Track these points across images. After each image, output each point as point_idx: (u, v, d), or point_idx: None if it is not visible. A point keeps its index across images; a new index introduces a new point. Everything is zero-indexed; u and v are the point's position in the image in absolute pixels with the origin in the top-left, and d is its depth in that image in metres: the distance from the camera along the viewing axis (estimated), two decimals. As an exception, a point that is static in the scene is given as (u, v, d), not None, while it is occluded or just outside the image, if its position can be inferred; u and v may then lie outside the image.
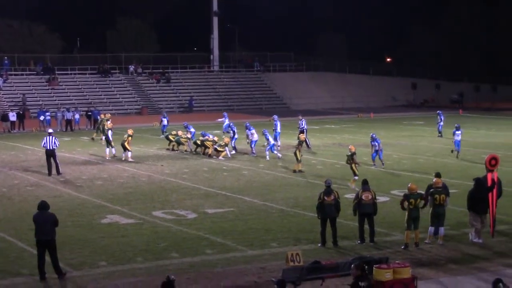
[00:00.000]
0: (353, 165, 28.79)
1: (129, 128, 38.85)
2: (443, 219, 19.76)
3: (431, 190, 19.94)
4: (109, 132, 38.05)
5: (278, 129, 41.46)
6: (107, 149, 37.75)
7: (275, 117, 43.12)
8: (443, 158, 36.63)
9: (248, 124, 39.52)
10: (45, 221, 17.25)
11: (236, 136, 39.83)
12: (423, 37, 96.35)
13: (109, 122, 41.19)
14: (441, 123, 47.52)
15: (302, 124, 42.53)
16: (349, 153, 29.14)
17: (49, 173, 32.17)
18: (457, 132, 37.25)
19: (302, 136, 34.10)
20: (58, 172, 32.28)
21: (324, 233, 19.58)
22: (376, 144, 33.17)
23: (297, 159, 32.44)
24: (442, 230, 19.73)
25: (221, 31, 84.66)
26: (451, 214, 21.60)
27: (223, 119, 47.87)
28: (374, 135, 33.92)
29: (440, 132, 47.31)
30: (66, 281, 16.89)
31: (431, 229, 19.80)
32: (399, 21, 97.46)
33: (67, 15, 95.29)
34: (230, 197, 26.74)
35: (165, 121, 48.30)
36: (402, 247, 19.23)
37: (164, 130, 46.49)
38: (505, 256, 18.62)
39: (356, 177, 28.20)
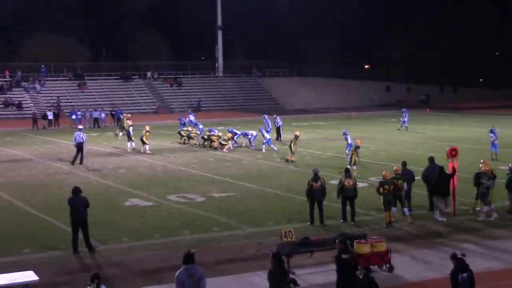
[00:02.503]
0: (353, 156, 28.70)
1: (147, 125, 38.86)
2: (404, 201, 19.80)
3: (392, 175, 19.87)
4: (130, 129, 38.15)
5: (269, 127, 41.63)
6: (128, 143, 37.78)
7: (265, 116, 43.77)
8: (412, 150, 36.65)
9: (243, 132, 39.25)
10: (79, 204, 17.30)
11: (238, 133, 39.62)
12: (394, 46, 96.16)
13: (129, 121, 41.28)
14: (405, 119, 47.93)
15: (277, 122, 42.57)
16: (354, 146, 29.34)
17: (72, 162, 32.36)
18: (491, 134, 32.51)
19: (298, 132, 33.97)
20: (81, 162, 32.45)
21: (313, 214, 19.62)
22: (346, 138, 31.96)
23: (291, 150, 32.43)
24: (406, 210, 19.79)
25: (224, 42, 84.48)
26: (419, 197, 21.65)
27: (189, 115, 47.52)
28: (346, 132, 32.60)
29: (402, 127, 47.88)
30: (95, 254, 16.98)
31: (394, 209, 19.70)
32: (374, 33, 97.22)
33: (94, 29, 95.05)
34: (233, 183, 26.74)
35: (191, 117, 47.83)
36: (384, 225, 19.14)
37: (193, 124, 44.48)
38: (463, 232, 18.67)
39: (355, 167, 28.13)
